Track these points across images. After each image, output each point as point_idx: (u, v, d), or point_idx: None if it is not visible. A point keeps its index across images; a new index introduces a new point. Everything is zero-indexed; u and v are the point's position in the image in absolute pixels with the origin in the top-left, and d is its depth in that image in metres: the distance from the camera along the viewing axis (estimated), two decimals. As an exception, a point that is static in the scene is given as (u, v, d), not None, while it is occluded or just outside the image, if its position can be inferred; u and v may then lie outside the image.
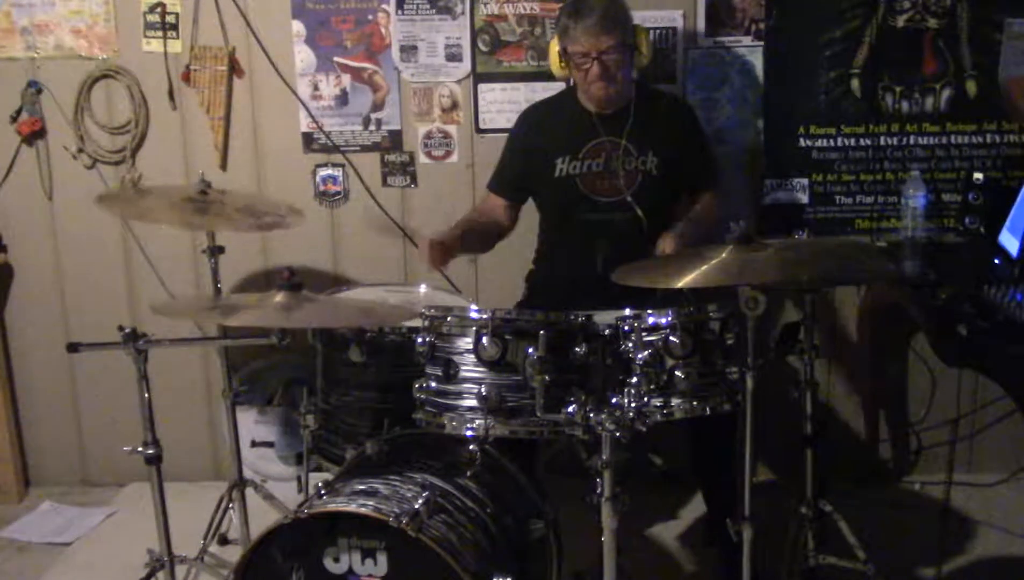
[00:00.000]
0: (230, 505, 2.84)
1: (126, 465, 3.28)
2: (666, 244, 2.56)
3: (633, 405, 1.89)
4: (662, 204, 2.82)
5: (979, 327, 2.24)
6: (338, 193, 3.30)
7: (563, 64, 2.72)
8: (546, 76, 3.08)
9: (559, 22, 2.71)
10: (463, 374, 2.06)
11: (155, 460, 2.32)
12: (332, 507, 2.00)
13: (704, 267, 1.99)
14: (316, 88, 3.22)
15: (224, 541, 2.95)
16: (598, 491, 1.91)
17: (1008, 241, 2.81)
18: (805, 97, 3.16)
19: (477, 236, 2.78)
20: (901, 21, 3.11)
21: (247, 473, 2.96)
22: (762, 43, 3.13)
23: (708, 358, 2.10)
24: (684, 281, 1.97)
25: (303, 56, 3.20)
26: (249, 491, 2.86)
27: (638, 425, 1.90)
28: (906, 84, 3.15)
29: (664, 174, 2.78)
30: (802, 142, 3.19)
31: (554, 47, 2.74)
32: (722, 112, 3.18)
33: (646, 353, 2.06)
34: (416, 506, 1.99)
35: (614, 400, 1.91)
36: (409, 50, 3.19)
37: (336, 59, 3.20)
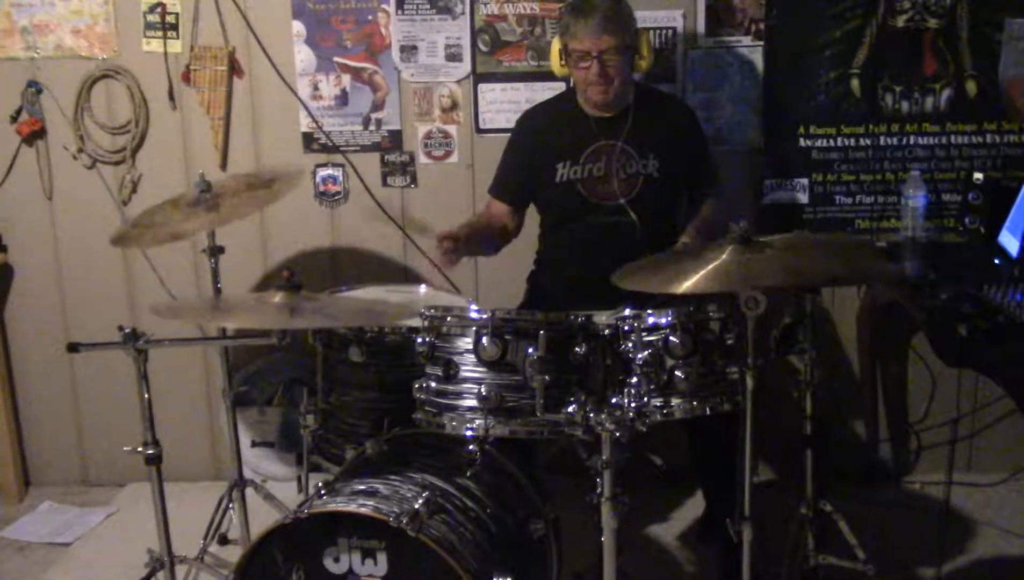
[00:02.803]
0: (230, 505, 2.84)
1: (126, 465, 3.29)
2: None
3: (633, 405, 1.89)
4: (664, 207, 2.82)
5: (979, 327, 2.24)
6: (338, 193, 3.30)
7: (563, 63, 2.72)
8: (546, 76, 3.08)
9: (561, 19, 2.71)
10: (463, 374, 2.06)
11: (155, 460, 2.32)
12: (332, 507, 2.00)
13: (703, 271, 1.98)
14: (316, 88, 3.22)
15: (224, 541, 2.95)
16: (598, 491, 1.91)
17: (1008, 241, 2.81)
18: (805, 97, 3.16)
19: (483, 238, 2.76)
20: (901, 21, 3.11)
21: (247, 473, 2.96)
22: (762, 43, 3.13)
23: (708, 358, 2.10)
24: (684, 286, 1.96)
25: (303, 56, 3.20)
26: (249, 491, 2.86)
27: (638, 425, 1.90)
28: (906, 84, 3.15)
29: (665, 177, 2.77)
30: (802, 142, 3.19)
31: (556, 45, 2.74)
32: (722, 112, 3.18)
33: (646, 353, 2.06)
34: (416, 506, 1.99)
35: (614, 400, 1.91)
36: (409, 50, 3.19)
37: (336, 59, 3.20)
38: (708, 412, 2.10)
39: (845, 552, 2.49)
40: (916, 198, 3.02)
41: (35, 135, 3.26)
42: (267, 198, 2.72)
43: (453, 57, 3.19)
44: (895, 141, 3.19)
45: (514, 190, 2.87)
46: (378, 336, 2.36)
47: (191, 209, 2.60)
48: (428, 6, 3.16)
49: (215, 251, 2.74)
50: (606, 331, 2.11)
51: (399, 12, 3.16)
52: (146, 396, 2.29)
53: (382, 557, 1.97)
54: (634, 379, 2.04)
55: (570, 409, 1.96)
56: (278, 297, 2.13)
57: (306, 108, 3.23)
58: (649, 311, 2.10)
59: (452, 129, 3.24)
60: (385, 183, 3.29)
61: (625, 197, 2.75)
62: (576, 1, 2.67)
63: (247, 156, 3.28)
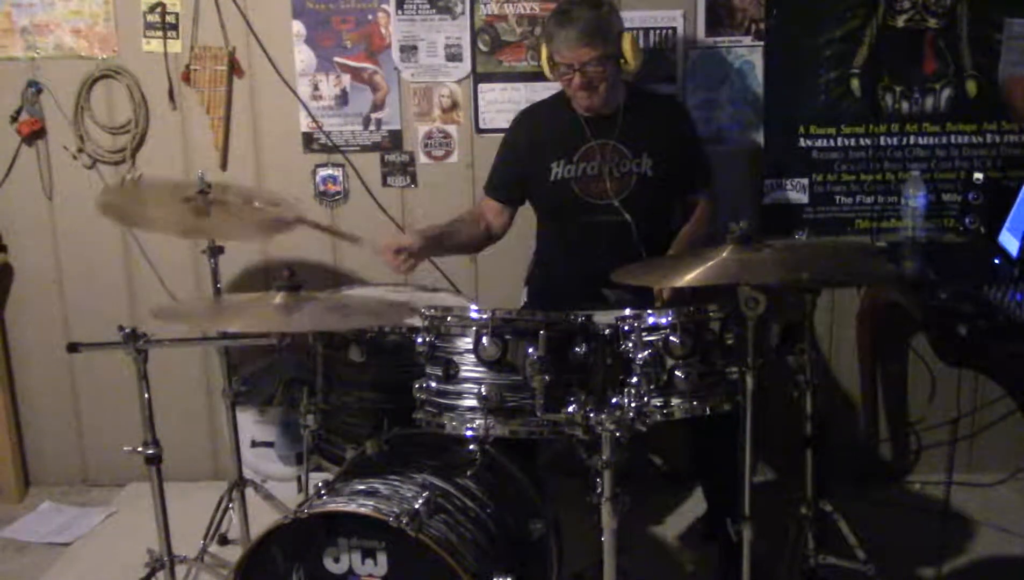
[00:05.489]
0: (230, 505, 2.84)
1: (126, 465, 3.28)
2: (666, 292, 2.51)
3: (633, 405, 1.89)
4: (658, 206, 2.82)
5: (979, 327, 2.24)
6: (338, 193, 3.30)
7: (551, 70, 2.72)
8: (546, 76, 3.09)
9: (544, 29, 2.70)
10: (463, 374, 2.06)
11: (155, 460, 2.32)
12: (332, 507, 2.00)
13: (703, 267, 2.00)
14: (316, 88, 3.22)
15: (224, 541, 2.95)
16: (598, 491, 1.91)
17: (1008, 241, 2.81)
18: (805, 97, 3.16)
19: (456, 240, 2.76)
20: (901, 21, 3.11)
21: (247, 473, 2.96)
22: (762, 43, 3.13)
23: (708, 358, 2.10)
24: (685, 280, 1.97)
25: (303, 56, 3.20)
26: (249, 491, 2.86)
27: (638, 425, 1.90)
28: (906, 84, 3.15)
29: (659, 176, 2.77)
30: (802, 142, 3.19)
31: (544, 51, 2.74)
32: (722, 112, 3.18)
33: (646, 353, 2.06)
34: (416, 506, 1.99)
35: (614, 400, 1.91)
36: (409, 50, 3.19)
37: (336, 59, 3.20)
38: (708, 412, 2.10)
39: (845, 552, 2.48)
40: (916, 198, 3.02)
41: (35, 135, 3.26)
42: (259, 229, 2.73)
43: (453, 57, 3.19)
44: (895, 141, 3.19)
45: (507, 188, 2.87)
46: (378, 336, 2.35)
47: (183, 205, 2.60)
48: (428, 6, 3.16)
49: (215, 251, 2.74)
50: (606, 331, 2.11)
51: (399, 12, 3.16)
52: (146, 396, 2.29)
53: (382, 557, 1.97)
54: (634, 379, 2.04)
55: (570, 409, 1.96)
56: (278, 298, 2.13)
57: (306, 108, 3.23)
58: (649, 311, 2.11)
59: (452, 129, 3.24)
60: (385, 183, 3.29)
61: (618, 196, 2.74)
62: (557, 11, 2.66)
63: (247, 156, 3.28)
